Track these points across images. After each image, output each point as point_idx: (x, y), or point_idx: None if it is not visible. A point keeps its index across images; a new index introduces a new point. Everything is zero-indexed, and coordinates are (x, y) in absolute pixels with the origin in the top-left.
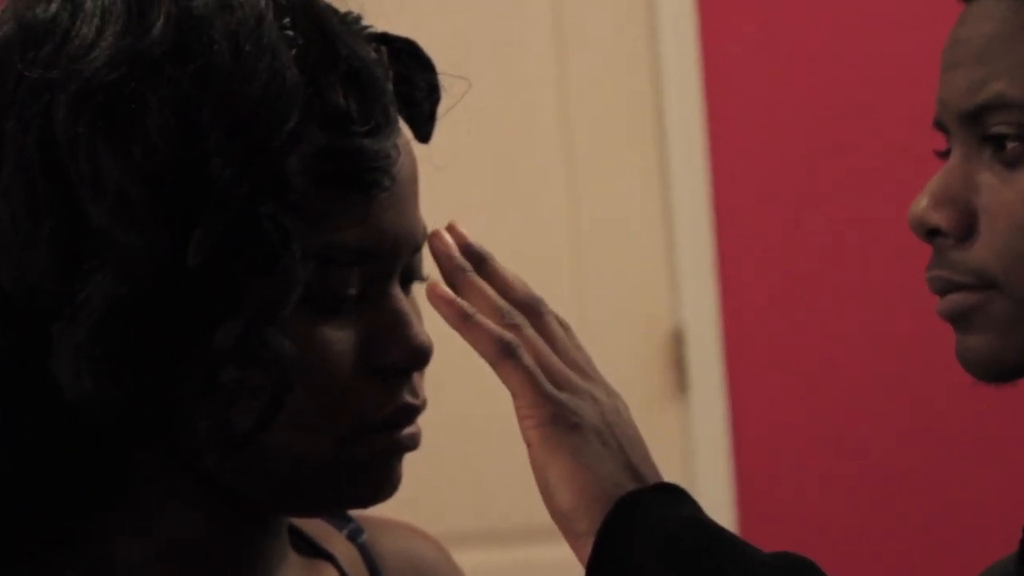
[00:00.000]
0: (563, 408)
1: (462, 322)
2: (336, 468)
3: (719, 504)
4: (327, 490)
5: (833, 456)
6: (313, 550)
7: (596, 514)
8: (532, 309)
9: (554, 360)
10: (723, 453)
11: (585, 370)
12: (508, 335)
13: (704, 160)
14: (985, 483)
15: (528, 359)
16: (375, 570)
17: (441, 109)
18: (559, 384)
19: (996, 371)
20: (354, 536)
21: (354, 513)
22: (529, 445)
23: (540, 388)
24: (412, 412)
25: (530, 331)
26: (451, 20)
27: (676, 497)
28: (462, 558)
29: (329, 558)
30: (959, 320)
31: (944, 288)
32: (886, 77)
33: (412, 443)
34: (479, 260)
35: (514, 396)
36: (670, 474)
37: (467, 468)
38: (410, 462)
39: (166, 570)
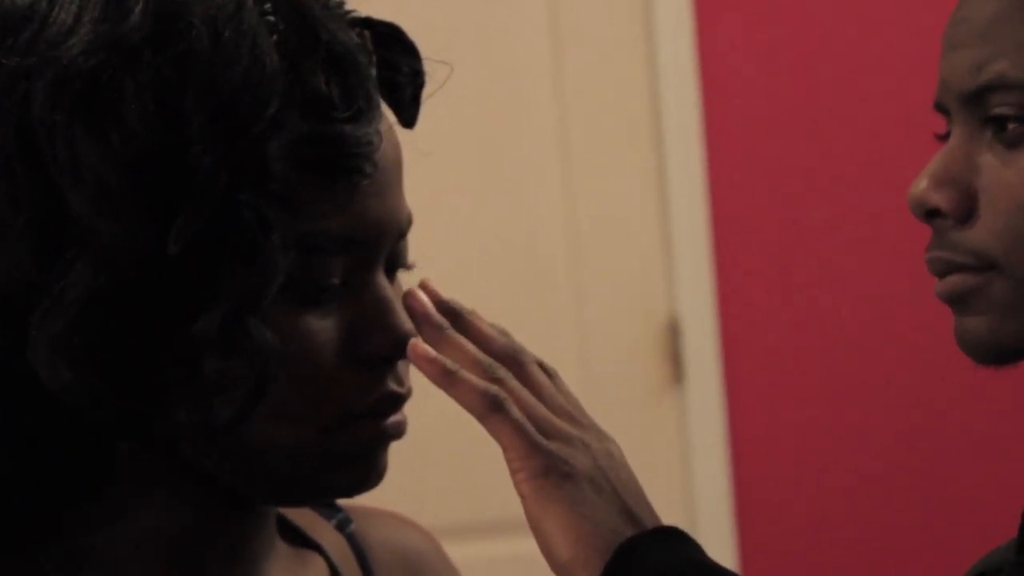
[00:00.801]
0: (554, 458)
1: (446, 379)
2: (320, 458)
3: (714, 496)
4: (312, 480)
5: (829, 448)
6: (301, 540)
7: (596, 564)
8: (514, 360)
9: (541, 410)
10: (719, 444)
11: (574, 416)
12: (493, 388)
13: (700, 151)
14: (982, 471)
15: (515, 411)
16: (364, 560)
17: (426, 94)
18: (548, 433)
19: (995, 353)
20: (343, 526)
21: (343, 503)
22: (523, 498)
23: (529, 439)
24: (397, 400)
25: (514, 382)
26: (447, 17)
27: (675, 540)
28: (452, 549)
29: (317, 548)
30: (958, 302)
31: (943, 269)
32: (881, 74)
33: (398, 431)
34: (455, 315)
35: (504, 450)
36: (666, 465)
37: (457, 459)
38: (401, 453)
39: (148, 561)
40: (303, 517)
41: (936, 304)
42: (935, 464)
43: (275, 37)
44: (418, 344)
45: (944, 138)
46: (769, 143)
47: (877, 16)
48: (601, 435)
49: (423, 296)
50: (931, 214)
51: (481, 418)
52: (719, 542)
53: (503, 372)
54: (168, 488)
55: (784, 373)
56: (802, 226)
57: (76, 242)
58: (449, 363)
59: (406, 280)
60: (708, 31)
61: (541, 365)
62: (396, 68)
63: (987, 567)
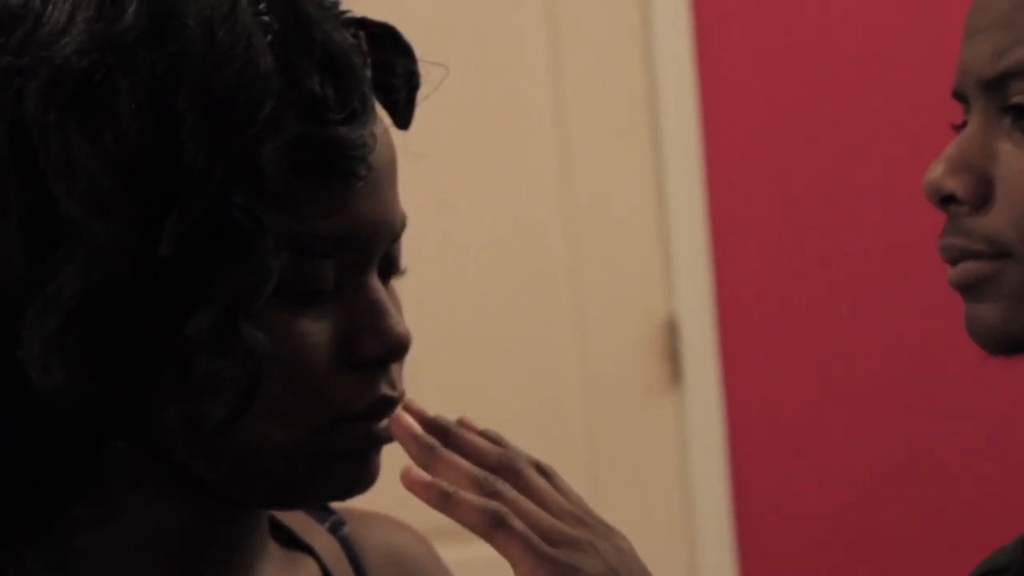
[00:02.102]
0: (564, 567)
1: (444, 503)
2: (312, 461)
3: (713, 495)
4: (303, 483)
5: (828, 447)
6: (294, 542)
7: None
8: (510, 468)
9: (543, 517)
10: (717, 443)
11: (579, 516)
12: (493, 504)
13: (698, 150)
14: (984, 473)
15: (518, 524)
16: (357, 563)
17: (421, 95)
18: (555, 541)
19: (1006, 342)
20: (336, 528)
21: (336, 505)
22: None
23: (536, 552)
24: (390, 404)
25: (513, 493)
26: (444, 17)
27: None
28: (445, 552)
29: (310, 550)
30: (970, 289)
31: (957, 256)
32: (880, 73)
33: (390, 435)
34: (444, 432)
35: (513, 565)
36: (664, 465)
37: None
38: (394, 456)
39: (139, 562)
40: (296, 519)
41: (936, 305)
42: (935, 464)
43: (270, 37)
44: (411, 470)
45: (960, 128)
46: (767, 143)
47: (875, 15)
48: (608, 531)
49: (408, 419)
50: (946, 200)
51: (486, 536)
52: (717, 543)
53: (501, 484)
54: (159, 489)
55: (782, 373)
56: (800, 226)
57: (69, 242)
58: (445, 485)
59: (397, 285)
60: (706, 31)
61: (538, 466)
62: (391, 69)
63: (992, 566)
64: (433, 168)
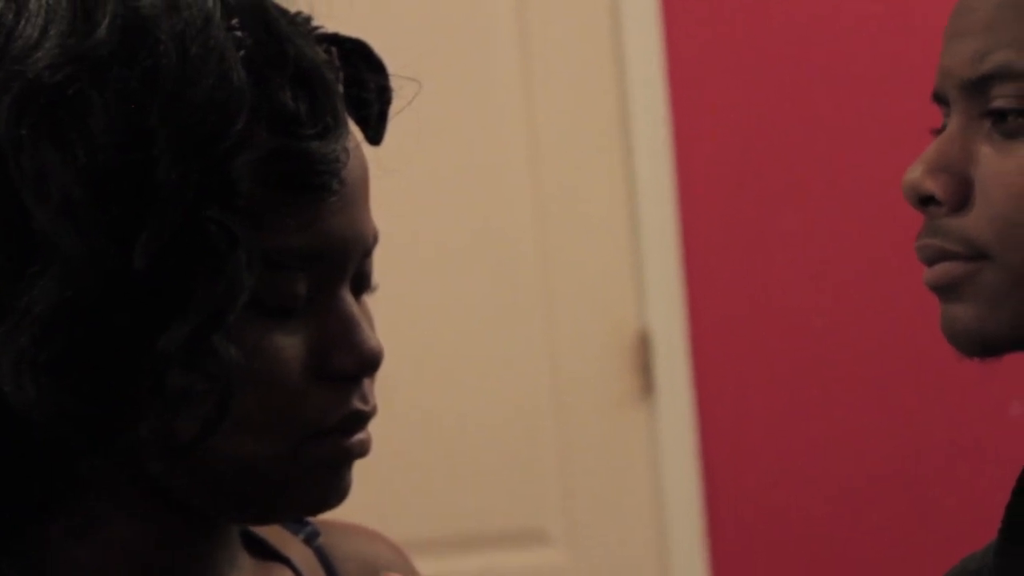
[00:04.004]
0: None
1: None
2: (284, 475)
3: (686, 507)
4: (275, 498)
5: (799, 458)
6: (269, 554)
7: None
8: None
9: None
10: (690, 456)
11: None
12: None
13: (670, 163)
14: (956, 484)
15: None
16: (332, 573)
17: (393, 111)
18: None
19: (981, 344)
20: (311, 539)
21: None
22: None
23: None
24: (362, 418)
25: None
26: (416, 29)
27: None
28: (419, 564)
29: (285, 561)
30: (947, 290)
31: (934, 257)
32: (852, 79)
33: (362, 450)
34: None
35: None
36: (636, 477)
37: (424, 475)
38: (368, 469)
39: None
40: (270, 530)
41: (909, 315)
42: (908, 473)
43: (242, 53)
44: None
45: (939, 132)
46: (739, 152)
47: (845, 20)
48: None
49: None
50: (925, 201)
51: None
52: (689, 553)
53: None
54: (134, 503)
55: (754, 385)
56: (772, 238)
57: (42, 256)
58: None
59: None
60: (676, 42)
61: None
62: (363, 85)
63: (965, 571)
64: (405, 180)
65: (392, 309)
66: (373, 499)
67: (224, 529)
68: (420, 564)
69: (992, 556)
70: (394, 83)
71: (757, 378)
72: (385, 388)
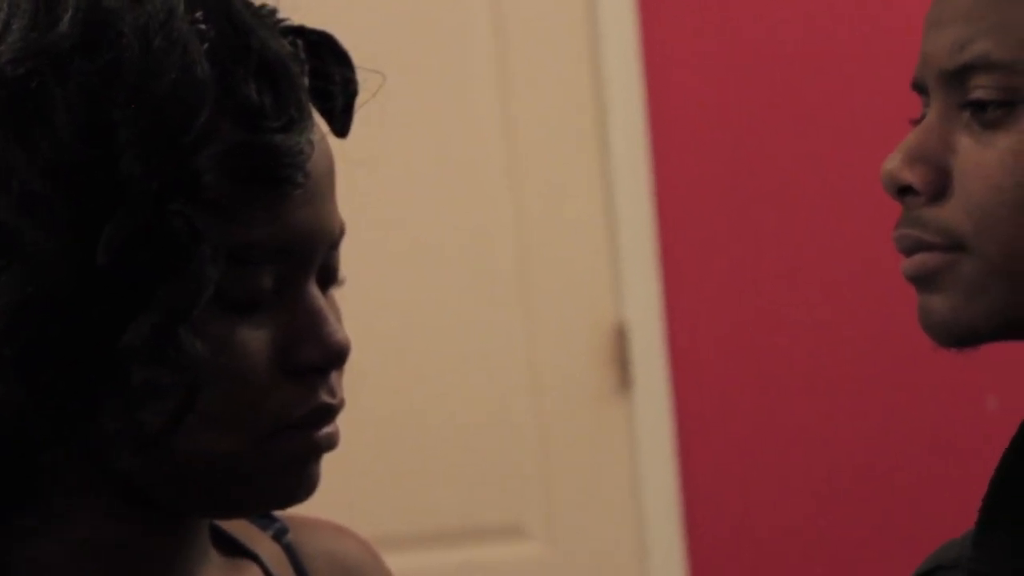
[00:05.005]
0: None
1: None
2: (251, 469)
3: (664, 501)
4: (242, 492)
5: (777, 452)
6: (237, 550)
7: None
8: None
9: None
10: (667, 450)
11: None
12: None
13: (646, 156)
14: (933, 477)
15: None
16: (301, 570)
17: (357, 104)
18: None
19: (957, 334)
20: (279, 536)
21: (280, 512)
22: None
23: None
24: (330, 412)
25: None
26: (390, 22)
27: None
28: (388, 560)
29: (254, 558)
30: (924, 280)
31: (912, 247)
32: (829, 75)
33: (330, 443)
34: None
35: None
36: (613, 471)
37: (393, 470)
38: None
39: (78, 573)
40: (239, 527)
41: (887, 310)
42: (885, 466)
43: (206, 45)
44: None
45: (918, 123)
46: (716, 145)
47: (822, 16)
48: None
49: None
50: (903, 191)
51: None
52: (667, 548)
53: None
54: (99, 499)
55: (731, 379)
56: (749, 232)
57: (5, 251)
58: None
59: (346, 292)
60: (652, 30)
61: None
62: (328, 77)
63: (941, 561)
64: (381, 176)
65: (369, 304)
66: (351, 495)
67: (192, 525)
68: (399, 560)
69: (970, 546)
70: (362, 77)
71: (734, 372)
72: (363, 383)
